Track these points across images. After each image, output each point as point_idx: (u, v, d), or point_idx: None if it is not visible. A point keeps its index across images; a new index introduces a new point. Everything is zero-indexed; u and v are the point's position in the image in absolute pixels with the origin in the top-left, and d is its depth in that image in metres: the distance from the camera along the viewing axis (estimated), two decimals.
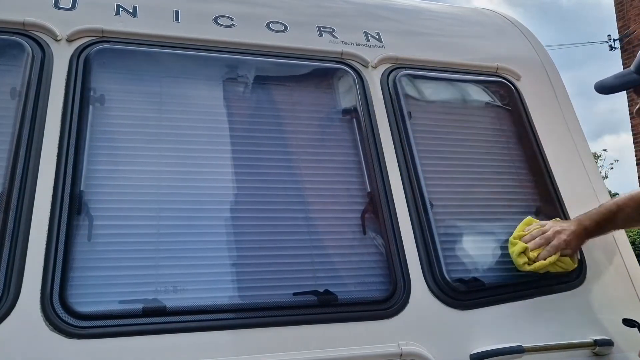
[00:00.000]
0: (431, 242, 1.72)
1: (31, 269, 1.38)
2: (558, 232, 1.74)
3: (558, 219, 1.87)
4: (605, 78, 1.60)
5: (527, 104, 2.14)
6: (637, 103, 1.56)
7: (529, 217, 1.87)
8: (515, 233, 1.80)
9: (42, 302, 1.35)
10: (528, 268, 1.72)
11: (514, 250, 1.75)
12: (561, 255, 1.75)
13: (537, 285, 1.78)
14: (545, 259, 1.71)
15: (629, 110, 11.72)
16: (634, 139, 12.31)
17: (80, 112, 1.61)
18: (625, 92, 1.66)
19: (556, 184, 2.00)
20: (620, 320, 1.68)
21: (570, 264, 1.78)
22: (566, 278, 1.82)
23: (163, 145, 1.68)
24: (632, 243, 9.65)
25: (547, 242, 1.73)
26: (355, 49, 2.04)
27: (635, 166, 12.08)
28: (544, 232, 1.75)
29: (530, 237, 1.76)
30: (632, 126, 12.36)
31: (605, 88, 1.58)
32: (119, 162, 1.63)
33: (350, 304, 1.58)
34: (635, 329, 1.66)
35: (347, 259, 1.68)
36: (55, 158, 1.53)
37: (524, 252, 1.73)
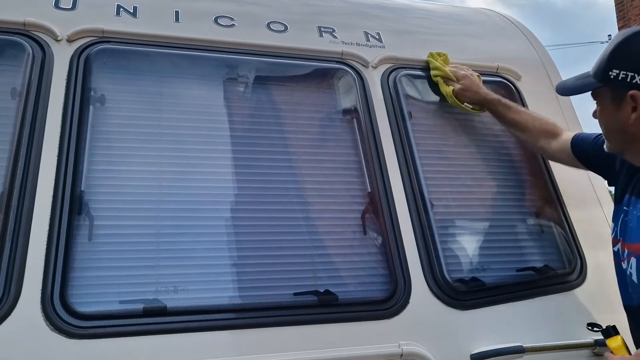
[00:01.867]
0: (431, 242, 1.72)
1: (32, 269, 1.38)
2: (467, 70, 2.05)
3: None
4: (567, 79, 1.66)
5: (528, 103, 2.14)
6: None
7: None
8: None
9: (43, 302, 1.35)
10: (430, 58, 2.08)
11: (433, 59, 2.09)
12: (450, 84, 2.02)
13: (538, 285, 1.79)
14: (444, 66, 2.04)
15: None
16: None
17: (80, 112, 1.61)
18: None
19: (556, 184, 2.00)
20: (621, 321, 1.67)
21: (449, 95, 2.00)
22: (567, 278, 1.82)
23: (163, 146, 1.68)
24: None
25: (457, 67, 2.07)
26: (356, 49, 2.04)
27: None
28: (460, 68, 2.07)
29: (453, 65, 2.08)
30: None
31: (565, 89, 1.65)
32: (120, 162, 1.63)
33: (351, 304, 1.58)
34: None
35: (347, 259, 1.68)
36: (55, 158, 1.53)
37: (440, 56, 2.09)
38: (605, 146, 1.58)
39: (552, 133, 1.89)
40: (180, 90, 1.81)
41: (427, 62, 2.10)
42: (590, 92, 1.55)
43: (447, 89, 2.02)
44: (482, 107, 2.03)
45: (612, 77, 1.44)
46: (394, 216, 1.73)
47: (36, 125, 1.56)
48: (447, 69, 2.04)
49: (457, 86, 2.01)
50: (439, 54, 2.11)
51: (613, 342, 1.55)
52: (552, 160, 2.00)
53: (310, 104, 1.94)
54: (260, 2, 2.12)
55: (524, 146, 2.03)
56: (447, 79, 2.03)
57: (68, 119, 1.59)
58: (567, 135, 1.85)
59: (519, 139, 2.01)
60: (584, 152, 1.77)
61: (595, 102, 1.55)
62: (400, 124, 1.91)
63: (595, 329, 1.66)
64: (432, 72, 2.07)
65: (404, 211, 1.75)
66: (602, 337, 1.69)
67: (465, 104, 2.03)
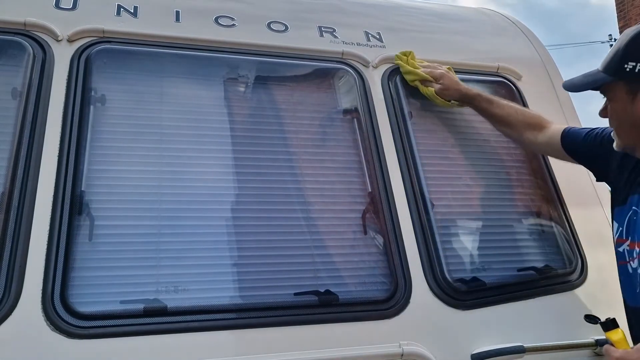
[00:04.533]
0: (432, 242, 1.72)
1: (32, 269, 1.38)
2: (442, 68, 2.02)
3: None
4: (574, 77, 1.65)
5: (528, 103, 2.14)
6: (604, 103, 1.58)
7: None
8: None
9: (44, 302, 1.35)
10: (400, 62, 2.03)
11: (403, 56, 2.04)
12: (429, 85, 1.99)
13: (538, 285, 1.79)
14: (417, 69, 2.00)
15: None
16: None
17: (81, 112, 1.61)
18: None
19: (557, 183, 2.00)
20: (622, 321, 1.67)
21: (432, 95, 1.98)
22: (567, 278, 1.82)
23: (164, 146, 1.68)
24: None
25: (430, 67, 2.03)
26: (356, 49, 2.04)
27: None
28: (437, 68, 2.03)
29: (424, 64, 2.04)
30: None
31: (573, 86, 1.63)
32: (120, 162, 1.63)
33: (351, 304, 1.58)
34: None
35: (348, 258, 1.68)
36: (56, 158, 1.53)
37: (406, 56, 2.03)
38: (615, 144, 1.56)
39: (537, 125, 1.89)
40: (180, 90, 1.81)
41: (400, 67, 2.04)
42: (599, 88, 1.54)
43: (427, 90, 1.99)
44: (463, 103, 2.01)
45: (627, 69, 1.43)
46: (394, 216, 1.72)
47: (37, 125, 1.56)
48: (421, 71, 2.00)
49: (437, 86, 1.98)
50: (404, 54, 2.05)
51: (614, 335, 1.53)
52: (537, 152, 2.01)
53: (310, 103, 1.94)
54: (260, 2, 2.12)
55: (510, 140, 2.02)
56: (425, 81, 2.00)
57: (68, 119, 1.59)
58: (556, 128, 1.85)
59: (503, 132, 2.00)
60: (575, 146, 1.78)
61: (604, 98, 1.55)
62: (400, 124, 1.91)
63: (593, 321, 1.64)
64: (407, 77, 2.02)
65: (405, 211, 1.75)
66: (601, 336, 1.69)
67: (451, 101, 2.00)
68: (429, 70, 2.01)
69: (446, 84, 1.98)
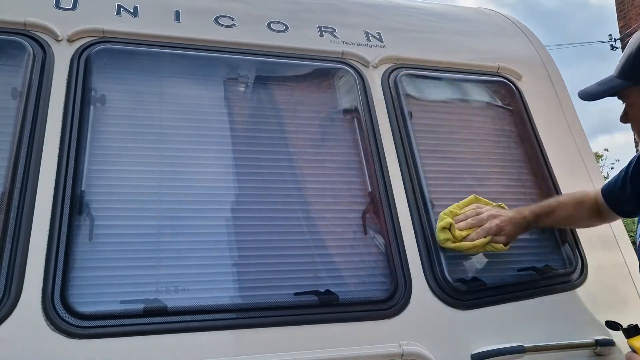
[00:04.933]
0: (432, 241, 1.72)
1: (32, 269, 1.38)
2: (493, 217, 1.73)
3: (503, 204, 1.85)
4: (588, 86, 1.60)
5: (528, 103, 2.14)
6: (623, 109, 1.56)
7: (473, 196, 1.82)
8: (449, 208, 1.76)
9: (44, 302, 1.35)
10: (450, 245, 1.69)
11: (439, 224, 1.71)
12: (493, 242, 1.73)
13: (538, 285, 1.78)
14: (473, 241, 1.69)
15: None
16: (635, 141, 12.28)
17: (81, 112, 1.61)
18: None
19: (557, 184, 1.99)
20: (622, 321, 1.67)
21: (501, 249, 1.75)
22: (568, 278, 1.82)
23: (164, 146, 1.68)
24: (633, 243, 9.61)
25: (479, 224, 1.72)
26: (356, 49, 2.04)
27: None
28: (478, 214, 1.74)
29: (464, 217, 1.74)
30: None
31: (589, 95, 1.58)
32: (120, 162, 1.63)
33: (351, 304, 1.58)
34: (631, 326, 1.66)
35: (348, 258, 1.68)
36: (56, 158, 1.53)
37: (449, 228, 1.69)
38: None
39: (584, 202, 1.77)
40: (180, 90, 1.81)
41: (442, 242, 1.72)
42: (616, 94, 1.52)
43: (496, 247, 1.74)
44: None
45: None
46: (394, 216, 1.72)
47: (37, 125, 1.56)
48: (475, 236, 1.70)
49: (502, 239, 1.74)
50: (443, 230, 1.71)
51: (637, 342, 1.52)
52: (606, 223, 1.86)
53: (310, 103, 1.94)
54: (260, 2, 2.12)
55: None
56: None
57: (69, 119, 1.59)
58: (596, 194, 1.76)
59: (575, 227, 1.89)
60: (619, 203, 1.68)
61: (623, 104, 1.53)
62: (400, 124, 1.91)
63: (614, 327, 1.63)
64: (470, 252, 1.73)
65: (405, 211, 1.75)
66: (603, 337, 1.70)
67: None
68: (481, 232, 1.71)
69: (509, 231, 1.74)
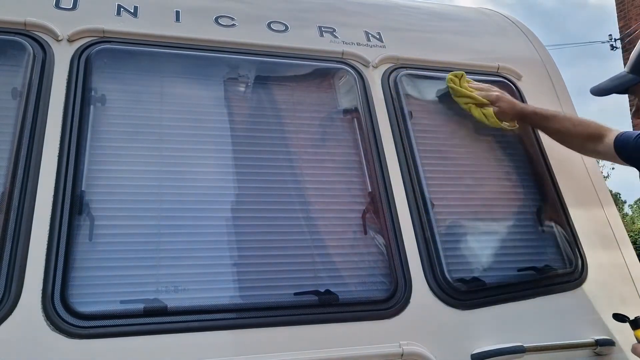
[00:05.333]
0: (432, 241, 1.72)
1: (33, 269, 1.38)
2: (498, 91, 1.99)
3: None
4: (600, 82, 1.65)
5: (528, 103, 2.14)
6: (634, 105, 1.57)
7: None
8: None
9: (44, 302, 1.35)
10: (450, 84, 2.00)
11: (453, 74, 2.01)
12: (485, 105, 1.97)
13: (538, 285, 1.79)
14: (472, 92, 1.96)
15: (630, 111, 11.73)
16: None
17: (81, 112, 1.62)
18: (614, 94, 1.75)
19: (557, 184, 1.99)
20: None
21: (491, 116, 1.95)
22: (568, 277, 1.82)
23: (164, 145, 1.68)
24: (634, 243, 9.65)
25: (484, 89, 2.00)
26: (356, 49, 2.04)
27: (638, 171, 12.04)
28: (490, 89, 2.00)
29: (475, 85, 2.01)
30: (632, 126, 12.35)
31: (601, 90, 1.63)
32: (120, 162, 1.63)
33: (351, 304, 1.58)
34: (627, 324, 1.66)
35: (348, 258, 1.68)
36: (56, 158, 1.53)
37: (460, 78, 2.01)
38: None
39: (597, 135, 1.83)
40: (180, 90, 1.81)
41: (450, 89, 2.02)
42: (627, 89, 1.55)
43: (485, 112, 1.96)
44: (521, 121, 2.00)
45: None
46: (394, 216, 1.73)
47: (37, 125, 1.56)
48: (476, 94, 1.98)
49: (495, 109, 1.96)
50: (455, 75, 2.02)
51: None
52: (604, 160, 1.97)
53: (310, 103, 1.94)
54: (260, 2, 2.12)
55: (571, 150, 1.98)
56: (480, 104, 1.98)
57: (69, 119, 1.59)
58: (610, 135, 1.80)
59: (565, 145, 1.96)
60: (627, 152, 1.72)
61: (635, 99, 1.54)
62: (400, 124, 1.91)
63: (621, 319, 1.65)
64: (461, 100, 2.00)
65: (405, 211, 1.75)
66: (603, 337, 1.70)
67: (503, 122, 1.98)
68: (484, 93, 1.99)
69: (503, 107, 1.96)
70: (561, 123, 1.92)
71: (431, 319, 1.61)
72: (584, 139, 1.87)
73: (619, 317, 1.65)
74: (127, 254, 1.52)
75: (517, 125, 2.01)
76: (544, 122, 1.95)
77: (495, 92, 2.00)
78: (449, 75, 2.03)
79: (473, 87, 2.01)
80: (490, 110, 1.97)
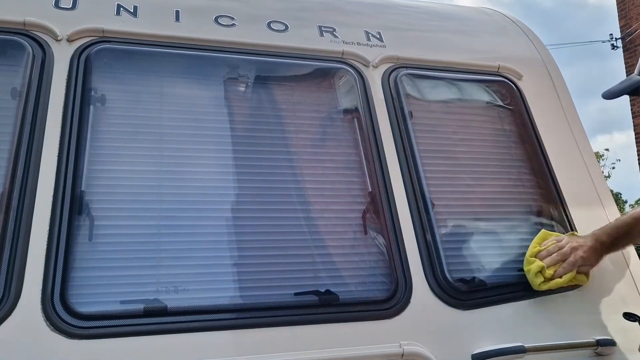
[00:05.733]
0: (432, 241, 1.72)
1: (32, 269, 1.38)
2: (575, 249, 1.72)
3: (575, 232, 1.85)
4: (612, 86, 1.70)
5: (529, 103, 2.14)
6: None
7: (543, 231, 1.82)
8: (531, 249, 1.76)
9: (43, 303, 1.35)
10: (544, 287, 1.69)
11: (530, 269, 1.71)
12: (577, 273, 1.72)
13: None
14: (561, 277, 1.69)
15: (631, 110, 11.73)
16: (636, 139, 12.29)
17: (81, 112, 1.61)
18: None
19: (558, 184, 1.99)
20: (623, 321, 1.67)
21: (584, 280, 1.76)
22: None
23: (164, 145, 1.68)
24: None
25: (564, 258, 1.71)
26: (356, 49, 2.04)
27: (638, 165, 12.05)
28: (560, 248, 1.72)
29: (547, 253, 1.72)
30: (634, 125, 12.34)
31: (611, 94, 1.67)
32: (120, 162, 1.63)
33: (352, 304, 1.58)
34: (636, 324, 1.66)
35: (348, 258, 1.68)
36: (56, 158, 1.53)
37: (541, 271, 1.69)
38: None
39: None
40: (180, 90, 1.81)
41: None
42: (637, 91, 1.61)
43: (581, 279, 1.75)
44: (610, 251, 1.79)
45: None
46: (394, 216, 1.72)
47: (36, 125, 1.56)
48: (563, 276, 1.70)
49: (587, 269, 1.75)
50: (541, 283, 1.70)
51: None
52: None
53: (310, 103, 1.94)
54: (260, 2, 2.12)
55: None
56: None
57: (68, 119, 1.59)
58: None
59: None
60: None
61: None
62: (401, 124, 1.91)
63: (632, 318, 1.65)
64: (559, 285, 1.71)
65: (405, 211, 1.75)
66: (604, 337, 1.69)
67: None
68: (569, 266, 1.71)
69: (590, 260, 1.73)
70: (631, 236, 1.77)
71: (431, 319, 1.61)
72: None
73: (630, 316, 1.65)
74: (127, 254, 1.52)
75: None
76: (630, 240, 1.79)
77: (571, 253, 1.72)
78: (535, 282, 1.70)
79: (549, 264, 1.71)
80: (583, 277, 1.75)
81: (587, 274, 1.76)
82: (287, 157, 1.80)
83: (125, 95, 1.74)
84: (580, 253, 1.71)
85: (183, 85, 1.82)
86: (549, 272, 1.69)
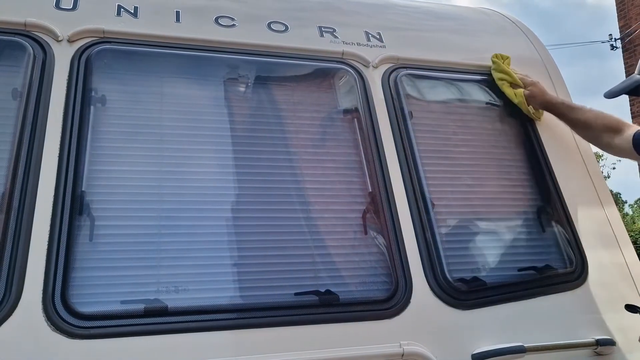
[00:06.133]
0: (432, 241, 1.72)
1: (33, 270, 1.38)
2: (532, 80, 2.12)
3: None
4: (613, 86, 1.79)
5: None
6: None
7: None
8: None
9: (44, 303, 1.35)
10: (495, 59, 2.14)
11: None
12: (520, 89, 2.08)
13: (539, 285, 1.78)
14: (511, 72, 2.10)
15: (631, 110, 11.74)
16: None
17: (81, 112, 1.62)
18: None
19: (558, 184, 1.99)
20: (622, 320, 1.67)
21: (520, 96, 2.07)
22: (568, 277, 1.82)
23: (164, 146, 1.68)
24: (634, 242, 9.65)
25: (522, 75, 2.14)
26: (356, 49, 2.04)
27: (638, 165, 12.05)
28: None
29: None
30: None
31: (613, 93, 1.76)
32: (120, 162, 1.63)
33: (352, 304, 1.58)
34: (637, 315, 1.66)
35: (348, 258, 1.68)
36: (56, 158, 1.53)
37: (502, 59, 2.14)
38: None
39: (615, 129, 1.89)
40: (180, 90, 1.81)
41: (493, 63, 2.15)
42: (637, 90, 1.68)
43: (515, 92, 2.09)
44: (546, 110, 2.10)
45: None
46: (394, 216, 1.72)
47: (37, 125, 1.56)
48: (516, 75, 2.11)
49: (526, 92, 2.08)
50: (502, 57, 2.15)
51: None
52: (617, 156, 2.05)
53: (311, 103, 1.94)
54: (260, 2, 2.12)
55: (590, 144, 2.08)
56: (514, 85, 2.11)
57: (69, 120, 1.59)
58: (630, 130, 1.84)
59: (582, 136, 2.07)
60: None
61: None
62: (401, 124, 1.91)
63: (634, 310, 1.68)
64: (498, 76, 2.13)
65: (405, 211, 1.75)
66: (604, 337, 1.70)
67: (530, 107, 2.08)
68: (521, 76, 2.13)
69: (534, 92, 2.07)
70: (585, 114, 2.00)
71: (432, 319, 1.61)
72: (603, 131, 1.93)
73: (632, 308, 1.65)
74: (127, 254, 1.52)
75: (540, 119, 2.10)
76: (569, 112, 2.04)
77: (532, 79, 2.13)
78: (494, 54, 2.16)
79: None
80: (520, 91, 2.09)
81: (526, 97, 2.07)
82: (287, 157, 1.80)
83: (126, 95, 1.74)
84: (536, 82, 2.09)
85: (183, 86, 1.82)
86: (508, 69, 2.12)
